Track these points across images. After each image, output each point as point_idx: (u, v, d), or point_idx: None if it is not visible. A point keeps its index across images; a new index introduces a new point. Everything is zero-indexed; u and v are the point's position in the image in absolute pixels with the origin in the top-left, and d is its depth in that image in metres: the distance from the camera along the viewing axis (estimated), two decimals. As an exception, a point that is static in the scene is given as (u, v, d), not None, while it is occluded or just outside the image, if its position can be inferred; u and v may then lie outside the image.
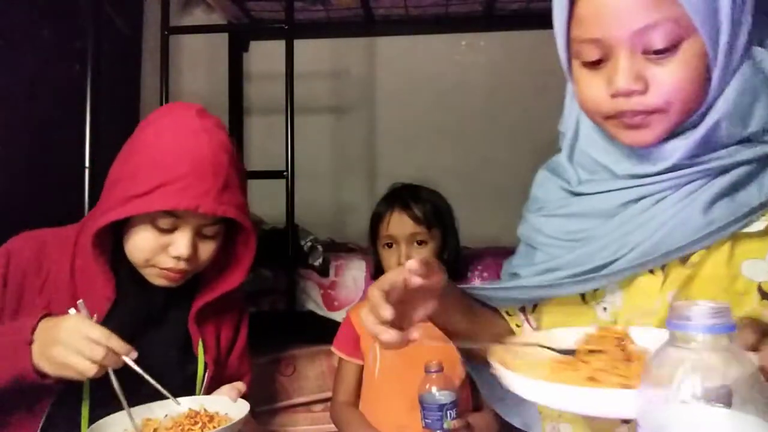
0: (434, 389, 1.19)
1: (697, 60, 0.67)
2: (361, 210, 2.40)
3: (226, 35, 2.43)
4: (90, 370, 0.89)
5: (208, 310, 1.13)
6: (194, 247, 1.03)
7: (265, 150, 2.39)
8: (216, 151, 1.00)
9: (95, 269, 1.03)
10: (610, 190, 0.75)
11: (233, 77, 2.44)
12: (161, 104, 1.70)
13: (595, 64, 0.71)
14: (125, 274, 1.06)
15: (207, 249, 1.06)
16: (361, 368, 1.44)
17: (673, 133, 0.70)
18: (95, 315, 0.97)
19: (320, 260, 1.65)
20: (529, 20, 2.20)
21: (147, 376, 0.94)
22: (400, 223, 1.40)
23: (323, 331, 1.61)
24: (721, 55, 0.67)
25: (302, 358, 1.63)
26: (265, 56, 2.42)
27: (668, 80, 0.67)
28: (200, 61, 2.46)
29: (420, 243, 1.39)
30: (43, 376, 0.91)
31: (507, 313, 0.91)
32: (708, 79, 0.68)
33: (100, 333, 0.90)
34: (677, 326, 0.51)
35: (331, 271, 1.67)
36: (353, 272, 1.65)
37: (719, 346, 0.50)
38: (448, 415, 1.16)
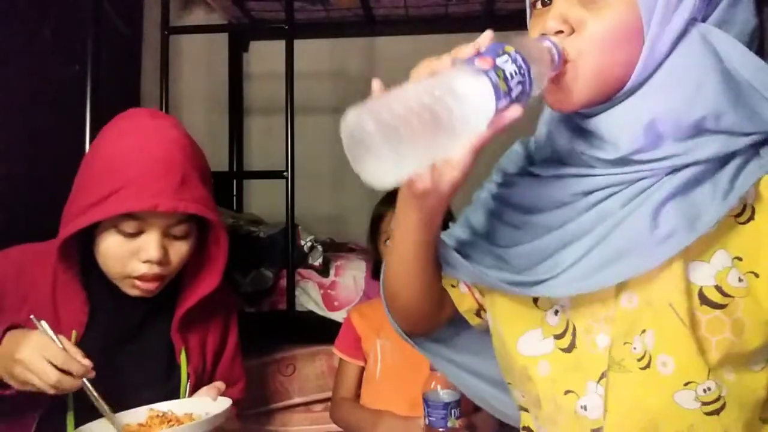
0: (439, 388, 1.18)
1: (628, 15, 0.64)
2: (361, 210, 2.40)
3: (226, 35, 2.43)
4: (48, 389, 0.88)
5: (191, 317, 1.11)
6: (164, 250, 1.01)
7: (265, 150, 2.39)
8: (169, 148, 0.99)
9: (67, 285, 1.02)
10: (563, 176, 0.73)
11: (233, 77, 2.44)
12: (161, 104, 1.70)
13: (543, 6, 0.69)
14: (101, 287, 1.05)
15: (179, 250, 1.04)
16: (362, 369, 1.44)
17: (615, 111, 0.67)
18: (72, 331, 0.97)
19: (320, 260, 1.65)
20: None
21: (100, 401, 0.93)
22: None
23: (323, 331, 1.61)
24: (657, 13, 0.63)
25: (302, 358, 1.63)
26: (265, 56, 2.42)
27: (594, 26, 0.64)
28: (200, 61, 2.45)
29: None
30: (4, 385, 0.91)
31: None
32: (639, 45, 0.64)
33: (57, 355, 0.89)
34: None
35: (331, 271, 1.67)
36: (353, 272, 1.65)
37: None
38: (453, 413, 1.16)
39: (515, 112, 0.61)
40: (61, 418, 1.00)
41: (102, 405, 0.94)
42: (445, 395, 1.17)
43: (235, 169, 2.45)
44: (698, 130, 0.65)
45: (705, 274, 0.66)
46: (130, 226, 0.99)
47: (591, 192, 0.70)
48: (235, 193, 2.38)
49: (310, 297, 1.63)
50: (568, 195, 0.72)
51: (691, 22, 0.65)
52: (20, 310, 1.02)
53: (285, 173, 1.65)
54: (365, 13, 2.25)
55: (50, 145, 1.71)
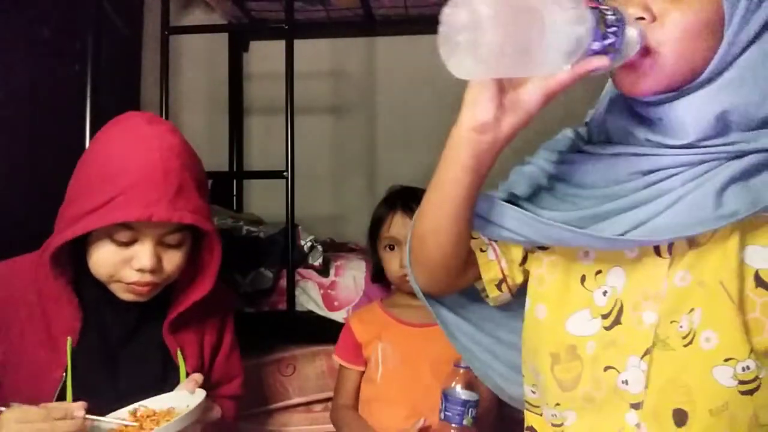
0: (459, 387, 1.19)
1: (711, 9, 0.65)
2: (361, 210, 2.40)
3: (226, 35, 2.43)
4: None
5: (186, 318, 1.11)
6: (158, 258, 1.00)
7: (265, 150, 2.39)
8: (166, 156, 0.97)
9: (59, 292, 1.01)
10: (622, 154, 0.73)
11: (233, 77, 2.44)
12: (161, 104, 1.70)
13: None
14: (94, 292, 1.04)
15: (173, 259, 1.03)
16: (362, 374, 1.44)
17: (686, 101, 0.67)
18: (67, 338, 0.97)
19: (320, 260, 1.65)
20: (529, 20, 2.20)
21: (104, 419, 0.94)
22: (402, 225, 1.40)
23: (323, 331, 1.61)
24: (740, 12, 0.65)
25: (302, 358, 1.63)
26: (265, 56, 2.42)
27: (677, 17, 0.64)
28: (200, 61, 2.45)
29: None
30: None
31: (472, 236, 0.85)
32: (719, 40, 0.65)
33: (38, 414, 0.87)
34: None
35: (331, 271, 1.67)
36: (353, 272, 1.65)
37: None
38: (470, 412, 1.16)
39: (602, 61, 0.60)
40: None
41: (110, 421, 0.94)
42: (463, 394, 1.18)
43: (235, 169, 2.45)
44: (765, 123, 0.67)
45: (763, 258, 0.67)
46: (124, 236, 0.98)
47: (652, 171, 0.70)
48: (235, 193, 2.38)
49: (310, 297, 1.63)
50: (626, 174, 0.72)
51: (764, 26, 0.66)
52: (10, 329, 1.01)
53: (285, 173, 1.64)
54: (365, 13, 2.25)
55: (50, 145, 1.71)
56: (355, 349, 1.44)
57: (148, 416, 0.98)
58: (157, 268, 1.00)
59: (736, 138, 0.68)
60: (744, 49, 0.66)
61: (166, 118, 1.70)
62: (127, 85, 2.26)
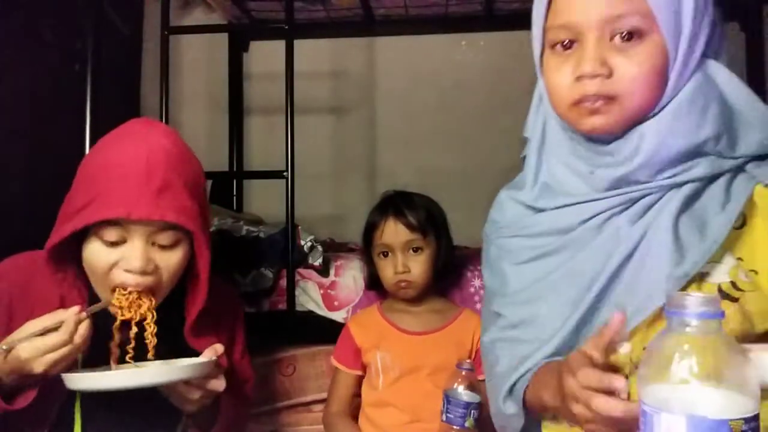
0: (461, 388, 1.18)
1: (658, 55, 0.73)
2: (361, 210, 2.39)
3: (226, 35, 2.43)
4: (70, 345, 0.88)
5: (202, 322, 1.09)
6: (149, 260, 0.97)
7: (265, 150, 2.40)
8: (152, 154, 0.95)
9: (72, 287, 1.01)
10: (568, 204, 0.80)
11: (233, 77, 2.44)
12: (161, 104, 1.70)
13: (566, 49, 0.77)
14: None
15: (167, 261, 0.99)
16: (359, 379, 1.44)
17: (631, 131, 0.75)
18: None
19: (320, 260, 1.64)
20: (529, 20, 2.20)
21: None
22: (395, 232, 1.39)
23: (323, 331, 1.61)
24: (680, 55, 0.73)
25: (302, 358, 1.63)
26: (265, 56, 2.42)
27: (630, 69, 0.73)
28: (200, 61, 2.45)
29: (416, 250, 1.39)
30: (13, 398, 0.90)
31: None
32: (665, 81, 0.74)
33: (38, 323, 0.89)
34: (674, 313, 0.58)
35: (331, 271, 1.67)
36: (353, 272, 1.65)
37: (710, 331, 0.57)
38: (472, 414, 1.16)
39: None
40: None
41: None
42: (466, 395, 1.17)
43: (235, 169, 2.45)
44: (699, 152, 0.74)
45: (720, 272, 0.73)
46: (111, 235, 0.95)
47: (592, 217, 0.77)
48: (235, 193, 2.38)
49: (310, 297, 1.63)
50: (573, 224, 0.79)
51: (702, 58, 0.75)
52: (28, 319, 0.99)
53: (285, 173, 1.64)
54: (365, 13, 2.25)
55: (50, 144, 1.71)
56: (354, 354, 1.43)
57: None
58: (148, 270, 0.97)
59: (675, 169, 0.75)
60: (684, 86, 0.75)
61: (166, 118, 1.70)
62: (127, 85, 2.26)
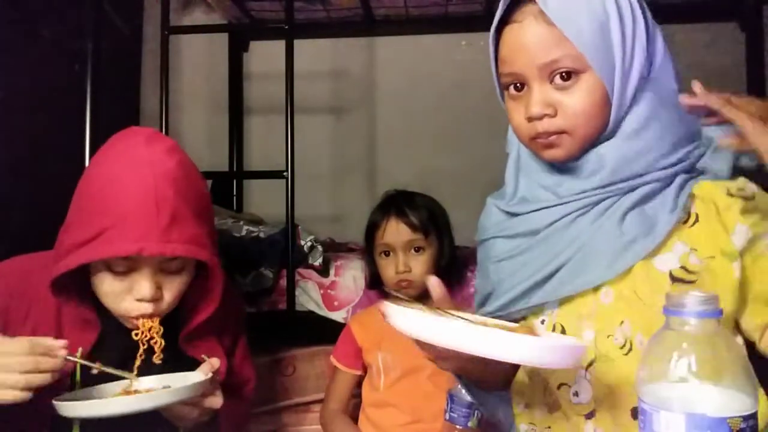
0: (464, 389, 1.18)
1: (596, 89, 0.80)
2: (361, 210, 2.39)
3: (226, 35, 2.43)
4: (22, 390, 0.85)
5: (203, 327, 1.08)
6: (157, 286, 0.97)
7: (265, 150, 2.40)
8: (159, 184, 0.93)
9: (77, 306, 1.00)
10: (538, 209, 0.87)
11: (233, 77, 2.45)
12: (161, 104, 1.70)
13: (518, 91, 0.85)
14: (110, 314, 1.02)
15: (173, 286, 1.00)
16: (358, 378, 1.44)
17: (589, 151, 0.84)
18: (79, 348, 0.95)
19: (320, 260, 1.65)
20: (529, 20, 2.21)
21: (93, 365, 0.93)
22: (396, 232, 1.39)
23: (323, 331, 1.61)
24: (616, 86, 0.81)
25: (302, 358, 1.63)
26: (265, 56, 2.42)
27: (572, 105, 0.80)
28: (200, 61, 2.46)
29: (417, 250, 1.39)
30: None
31: None
32: (609, 107, 0.82)
33: (21, 347, 0.86)
34: (673, 312, 0.60)
35: (331, 271, 1.67)
36: (353, 272, 1.65)
37: (709, 330, 0.58)
38: (475, 414, 1.16)
39: None
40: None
41: (107, 369, 0.94)
42: (469, 396, 1.17)
43: (235, 169, 2.45)
44: (654, 165, 0.82)
45: (670, 260, 0.80)
46: (120, 266, 0.95)
47: (560, 218, 0.85)
48: (235, 193, 2.38)
49: (310, 297, 1.63)
50: (542, 227, 0.86)
51: (641, 81, 0.82)
52: (23, 325, 1.00)
53: (285, 173, 1.65)
54: (365, 13, 2.25)
55: (50, 145, 1.72)
56: (355, 353, 1.43)
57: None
58: (158, 297, 0.98)
59: (630, 181, 0.83)
60: (629, 108, 0.82)
61: (166, 117, 1.70)
62: (127, 84, 2.26)
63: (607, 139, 0.83)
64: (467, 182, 2.21)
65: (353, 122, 2.46)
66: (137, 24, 2.30)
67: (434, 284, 0.81)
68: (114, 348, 1.02)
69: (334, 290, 1.63)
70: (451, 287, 1.54)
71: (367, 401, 1.43)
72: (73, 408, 0.90)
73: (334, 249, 1.92)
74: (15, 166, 1.63)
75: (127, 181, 0.93)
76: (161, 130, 1.69)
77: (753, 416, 0.56)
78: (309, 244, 1.65)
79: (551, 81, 0.81)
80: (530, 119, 0.82)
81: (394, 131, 2.44)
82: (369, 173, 2.43)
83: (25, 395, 0.86)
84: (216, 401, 1.00)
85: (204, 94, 2.48)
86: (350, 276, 1.65)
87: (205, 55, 2.47)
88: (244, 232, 1.67)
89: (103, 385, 1.00)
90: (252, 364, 1.26)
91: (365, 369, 1.44)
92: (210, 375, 0.98)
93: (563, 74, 0.80)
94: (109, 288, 0.97)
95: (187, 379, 1.00)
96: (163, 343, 1.00)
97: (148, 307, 0.97)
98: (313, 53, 2.35)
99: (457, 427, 1.16)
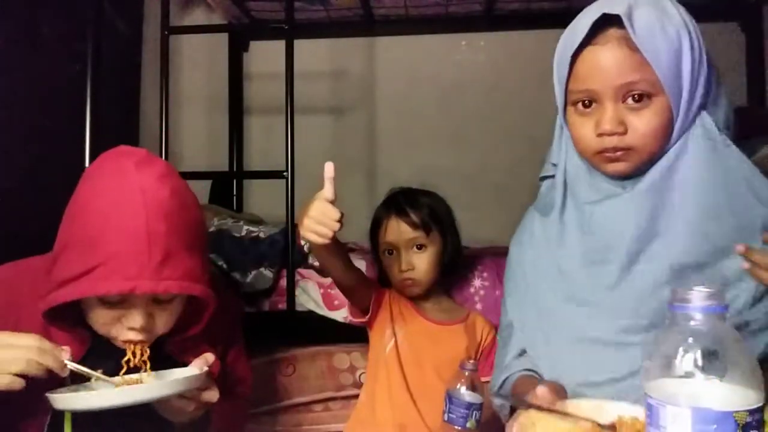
0: (464, 389, 1.18)
1: (664, 112, 0.89)
2: (361, 210, 2.38)
3: (226, 35, 2.43)
4: (12, 382, 0.86)
5: (192, 336, 1.08)
6: (150, 317, 0.97)
7: (265, 150, 2.39)
8: (152, 219, 0.91)
9: (66, 321, 0.99)
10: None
11: (233, 77, 2.44)
12: (161, 104, 1.70)
13: (586, 107, 0.92)
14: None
15: (164, 315, 0.99)
16: (367, 302, 1.40)
17: (640, 171, 0.92)
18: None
19: (320, 260, 1.64)
20: (529, 20, 2.20)
21: (88, 372, 0.92)
22: (397, 230, 1.39)
23: (323, 331, 1.61)
24: (681, 110, 0.89)
25: (302, 358, 1.63)
26: (265, 56, 2.42)
27: (642, 126, 0.89)
28: (200, 61, 2.45)
29: (420, 247, 1.39)
30: None
31: None
32: (671, 131, 0.90)
33: (28, 339, 0.87)
34: (679, 308, 0.61)
35: (332, 271, 1.67)
36: (353, 272, 1.65)
37: (714, 324, 0.59)
38: (474, 415, 1.16)
39: None
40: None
41: (97, 375, 0.93)
42: (468, 396, 1.17)
43: (235, 169, 2.45)
44: None
45: None
46: (113, 298, 0.95)
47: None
48: (235, 193, 2.38)
49: (310, 297, 1.63)
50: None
51: (700, 109, 0.91)
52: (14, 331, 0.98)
53: (285, 173, 1.65)
54: (365, 13, 2.25)
55: (50, 145, 1.71)
56: (376, 305, 1.41)
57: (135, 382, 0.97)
58: (149, 327, 0.97)
59: None
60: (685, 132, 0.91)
61: (166, 118, 1.70)
62: (127, 85, 2.26)
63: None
64: (467, 182, 2.22)
65: (353, 122, 2.46)
66: (137, 24, 2.30)
67: (542, 394, 0.84)
68: (102, 363, 0.99)
69: (334, 290, 1.63)
70: (450, 287, 1.54)
71: (369, 372, 1.42)
72: (66, 400, 0.89)
73: (334, 249, 1.92)
74: (15, 167, 1.63)
75: (119, 215, 0.91)
76: (161, 130, 1.69)
77: (759, 410, 0.56)
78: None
79: (624, 101, 0.89)
80: (601, 135, 0.90)
81: (394, 131, 2.44)
82: (369, 173, 2.43)
83: (21, 382, 0.86)
84: (212, 395, 0.99)
85: (204, 94, 2.48)
86: (350, 276, 1.64)
87: (205, 55, 2.46)
88: (244, 232, 1.67)
89: (97, 383, 0.98)
90: (247, 363, 1.26)
91: (371, 323, 1.42)
92: (205, 369, 0.98)
93: (636, 96, 0.88)
94: (100, 318, 0.96)
95: (181, 374, 0.99)
96: (150, 371, 0.99)
97: (138, 335, 0.96)
98: (313, 53, 2.35)
99: (456, 427, 1.16)
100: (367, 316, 1.41)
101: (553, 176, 1.06)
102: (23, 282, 1.01)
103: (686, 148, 0.91)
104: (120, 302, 0.95)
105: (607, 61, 0.88)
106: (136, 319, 0.95)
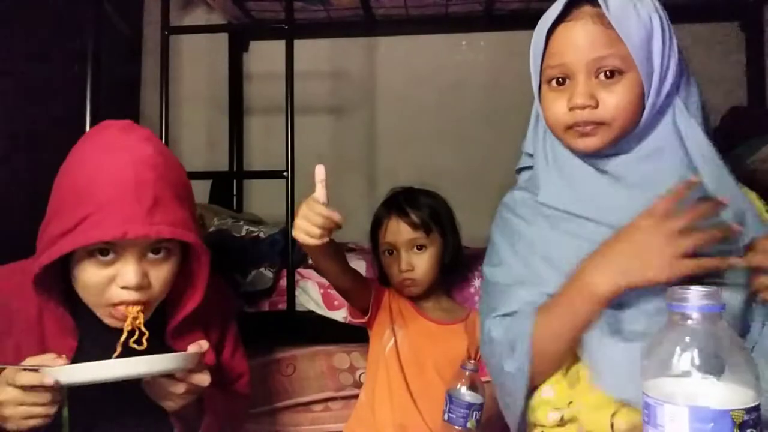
0: (464, 389, 1.18)
1: (635, 89, 0.90)
2: (361, 210, 2.38)
3: (226, 35, 2.43)
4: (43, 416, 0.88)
5: (188, 322, 1.07)
6: (144, 274, 0.96)
7: (265, 150, 2.40)
8: (139, 168, 0.93)
9: (55, 313, 0.98)
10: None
11: (233, 77, 2.44)
12: (161, 104, 1.70)
13: (560, 85, 0.93)
14: (88, 311, 1.00)
15: (159, 274, 0.98)
16: (366, 301, 1.41)
17: (615, 152, 0.93)
18: (63, 356, 0.92)
19: (320, 260, 1.64)
20: (529, 20, 2.18)
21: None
22: (397, 230, 1.39)
23: (323, 331, 1.61)
24: (653, 89, 0.90)
25: (302, 358, 1.63)
26: (265, 56, 2.42)
27: (613, 100, 0.89)
28: (200, 61, 2.45)
29: (420, 248, 1.39)
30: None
31: None
32: (642, 108, 0.91)
33: (25, 377, 0.86)
34: (675, 307, 0.61)
35: (332, 271, 1.67)
36: (353, 272, 1.65)
37: (711, 323, 0.60)
38: (474, 416, 1.16)
39: None
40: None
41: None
42: (468, 396, 1.17)
43: (235, 169, 2.45)
44: None
45: None
46: (103, 252, 0.94)
47: None
48: (235, 193, 2.38)
49: (310, 297, 1.63)
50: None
51: (671, 94, 0.92)
52: (8, 338, 0.99)
53: (285, 173, 1.64)
54: (365, 13, 2.25)
55: (50, 145, 1.71)
56: (376, 302, 1.41)
57: None
58: (144, 285, 0.96)
59: None
60: (660, 112, 0.92)
61: (166, 118, 1.70)
62: (128, 84, 2.26)
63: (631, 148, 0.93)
64: (467, 182, 2.21)
65: (353, 122, 2.46)
66: (137, 24, 2.30)
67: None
68: (94, 352, 0.98)
69: (334, 290, 1.63)
70: (450, 287, 1.54)
71: (368, 371, 1.42)
72: (59, 372, 0.88)
73: (334, 249, 1.92)
74: (14, 167, 1.63)
75: (106, 167, 0.93)
76: (161, 130, 1.69)
77: (756, 408, 0.57)
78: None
79: (596, 76, 0.90)
80: (572, 108, 0.90)
81: (394, 131, 2.44)
82: (369, 173, 2.43)
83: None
84: (203, 378, 0.98)
85: (204, 94, 2.48)
86: (350, 276, 1.64)
87: (205, 55, 2.46)
88: (244, 232, 1.67)
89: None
90: (244, 358, 1.25)
91: (370, 323, 1.42)
92: (200, 350, 0.98)
93: (608, 72, 0.89)
94: (93, 278, 0.95)
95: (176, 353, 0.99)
96: (146, 333, 0.98)
97: (134, 294, 0.95)
98: (313, 53, 2.35)
99: (456, 427, 1.16)
100: (367, 317, 1.41)
101: (530, 167, 1.06)
102: (13, 284, 1.01)
103: (656, 126, 0.93)
104: (112, 260, 0.95)
105: (579, 35, 0.90)
106: (130, 274, 0.94)
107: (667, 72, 0.91)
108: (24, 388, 0.86)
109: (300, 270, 1.64)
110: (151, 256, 0.97)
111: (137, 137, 0.98)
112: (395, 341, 1.39)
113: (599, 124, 0.90)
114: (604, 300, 0.85)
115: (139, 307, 0.97)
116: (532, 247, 0.97)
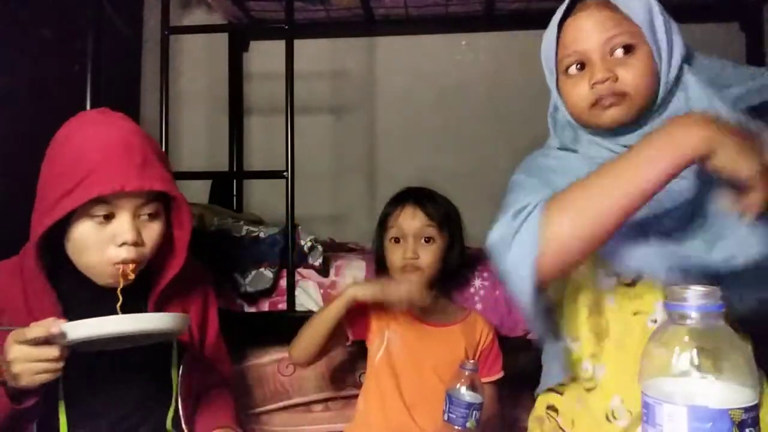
0: (464, 388, 1.18)
1: (648, 62, 0.96)
2: (361, 210, 2.39)
3: (226, 35, 2.43)
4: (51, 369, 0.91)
5: (167, 296, 1.14)
6: (137, 231, 1.04)
7: (265, 150, 2.40)
8: (125, 135, 1.04)
9: (40, 289, 1.04)
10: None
11: (233, 77, 2.44)
12: (161, 104, 1.70)
13: (579, 72, 0.99)
14: (72, 282, 1.07)
15: (151, 231, 1.07)
16: (348, 334, 1.41)
17: (636, 127, 0.97)
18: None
19: (320, 260, 1.64)
20: (529, 20, 2.20)
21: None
22: (412, 217, 1.40)
23: (323, 331, 1.61)
24: (664, 60, 0.96)
25: (302, 358, 1.62)
26: (265, 56, 2.42)
27: (630, 73, 0.95)
28: (200, 61, 2.46)
29: (428, 240, 1.39)
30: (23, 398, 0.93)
31: None
32: (658, 80, 0.96)
33: (32, 330, 0.90)
34: (674, 306, 0.61)
35: (331, 271, 1.67)
36: (353, 272, 1.65)
37: (711, 323, 0.60)
38: (473, 415, 1.16)
39: None
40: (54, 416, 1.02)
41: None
42: (468, 396, 1.17)
43: (235, 169, 2.45)
44: None
45: None
46: (101, 210, 1.01)
47: None
48: (235, 193, 2.38)
49: (310, 297, 1.63)
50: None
51: (681, 68, 0.98)
52: None
53: (285, 173, 1.65)
54: (365, 13, 2.25)
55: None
56: (362, 319, 1.40)
57: None
58: (139, 242, 1.04)
59: None
60: (675, 83, 0.97)
61: (167, 118, 1.70)
62: (127, 84, 2.26)
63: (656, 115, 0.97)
64: (467, 182, 2.21)
65: (353, 122, 2.46)
66: (137, 24, 2.30)
67: None
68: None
69: (334, 290, 1.63)
70: (451, 287, 1.54)
71: (367, 379, 1.42)
72: (64, 327, 0.91)
73: (334, 249, 1.92)
74: (14, 167, 1.63)
75: (95, 136, 1.02)
76: (161, 130, 1.69)
77: (754, 408, 0.57)
78: (309, 244, 1.65)
79: (612, 54, 0.96)
80: (594, 84, 0.95)
81: (394, 131, 2.44)
82: (369, 173, 2.43)
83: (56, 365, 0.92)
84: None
85: (204, 94, 2.48)
86: (350, 276, 1.64)
87: (205, 55, 2.47)
88: (244, 232, 1.67)
89: None
90: (225, 346, 1.31)
91: (362, 340, 1.42)
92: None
93: (622, 48, 0.95)
94: (90, 238, 1.02)
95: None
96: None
97: (131, 251, 1.03)
98: (313, 53, 2.36)
99: (456, 427, 1.17)
100: (349, 341, 1.42)
101: None
102: (5, 282, 1.08)
103: (672, 101, 0.98)
104: (108, 217, 1.02)
105: (589, 23, 0.97)
106: (126, 228, 1.02)
107: (673, 46, 0.97)
108: (33, 342, 0.90)
109: (300, 270, 1.64)
110: (143, 213, 1.05)
111: (116, 116, 1.09)
112: (386, 348, 1.39)
113: (621, 95, 0.95)
114: (690, 154, 0.78)
115: (133, 266, 1.05)
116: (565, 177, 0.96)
